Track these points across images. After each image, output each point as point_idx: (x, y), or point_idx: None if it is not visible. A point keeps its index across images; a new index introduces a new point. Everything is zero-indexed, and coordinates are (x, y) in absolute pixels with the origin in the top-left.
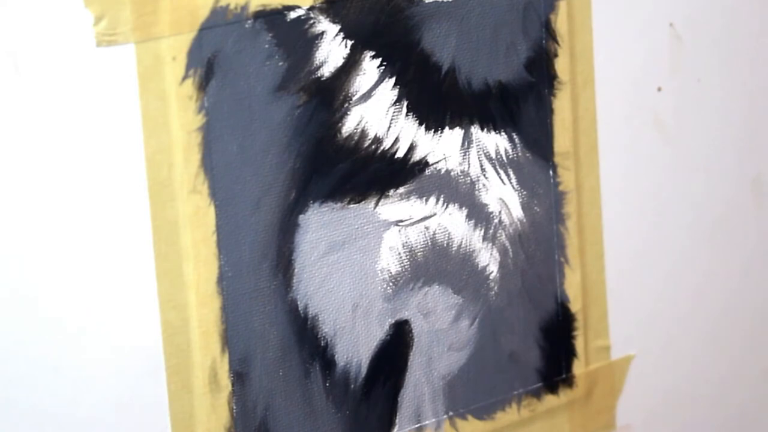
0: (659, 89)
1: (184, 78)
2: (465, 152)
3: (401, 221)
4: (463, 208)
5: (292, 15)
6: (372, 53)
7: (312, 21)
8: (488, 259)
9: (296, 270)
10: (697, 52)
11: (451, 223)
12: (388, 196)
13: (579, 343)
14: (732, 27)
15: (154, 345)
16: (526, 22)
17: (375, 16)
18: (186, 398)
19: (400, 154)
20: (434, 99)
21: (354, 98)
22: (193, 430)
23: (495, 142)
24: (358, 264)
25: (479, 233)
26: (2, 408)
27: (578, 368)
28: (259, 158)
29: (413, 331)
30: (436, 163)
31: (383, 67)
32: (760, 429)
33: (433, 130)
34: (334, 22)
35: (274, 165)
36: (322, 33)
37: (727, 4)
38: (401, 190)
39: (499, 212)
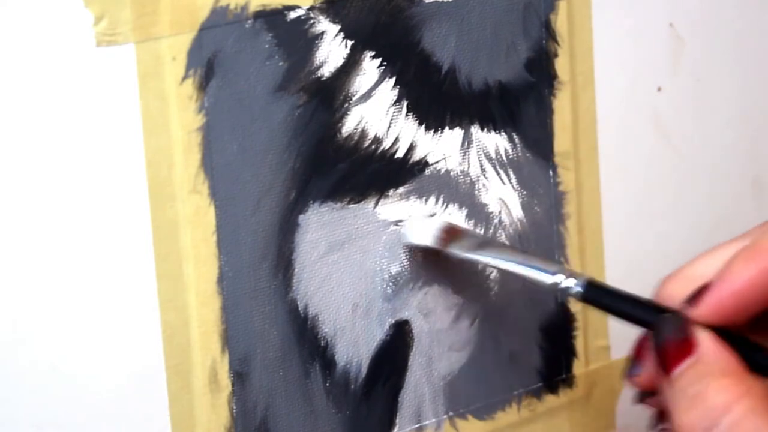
0: (659, 89)
1: (184, 78)
2: (465, 152)
3: (401, 221)
4: (463, 208)
5: (292, 15)
6: (372, 53)
7: (312, 21)
8: None
9: (296, 270)
10: (697, 52)
11: None
12: (387, 196)
13: (579, 343)
14: (732, 27)
15: (154, 345)
16: (526, 22)
17: (375, 16)
18: (186, 398)
19: (399, 154)
20: (434, 99)
21: (354, 98)
22: (193, 430)
23: (495, 142)
24: (357, 264)
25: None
26: (1, 408)
27: (578, 368)
28: (260, 158)
29: (413, 331)
30: (436, 163)
31: (383, 67)
32: None
33: (433, 130)
34: (334, 22)
35: (275, 165)
36: (323, 33)
37: (728, 4)
38: (401, 190)
39: (499, 212)
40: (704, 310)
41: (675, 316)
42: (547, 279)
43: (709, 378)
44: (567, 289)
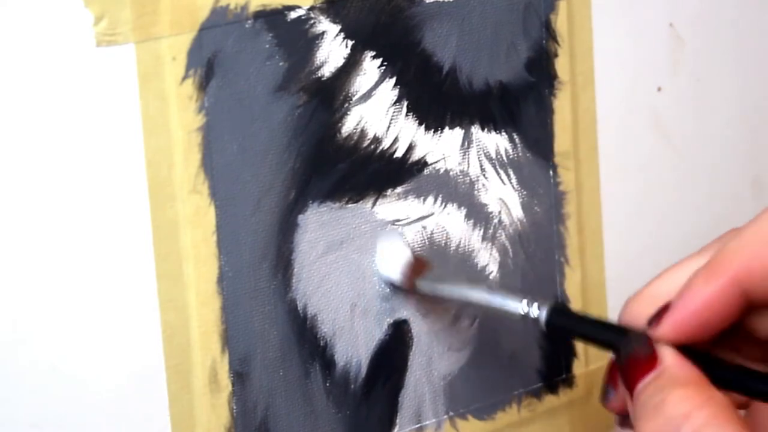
0: (659, 89)
1: (184, 78)
2: (465, 152)
3: (398, 221)
4: (462, 208)
5: (293, 15)
6: (372, 53)
7: (312, 21)
8: (488, 259)
9: (295, 270)
10: (697, 52)
11: (450, 223)
12: (386, 196)
13: (579, 343)
14: (732, 27)
15: (154, 345)
16: (526, 22)
17: (376, 16)
18: (186, 398)
19: (399, 153)
20: (435, 99)
21: (354, 98)
22: (193, 430)
23: (495, 142)
24: (355, 263)
25: (478, 233)
26: (1, 408)
27: (578, 368)
28: (260, 158)
29: (412, 330)
30: (435, 162)
31: (384, 68)
32: None
33: (433, 130)
34: (334, 23)
35: (274, 165)
36: (323, 33)
37: (728, 4)
38: (399, 189)
39: (499, 212)
40: (666, 329)
41: (638, 335)
42: (512, 308)
43: (670, 388)
44: (532, 315)
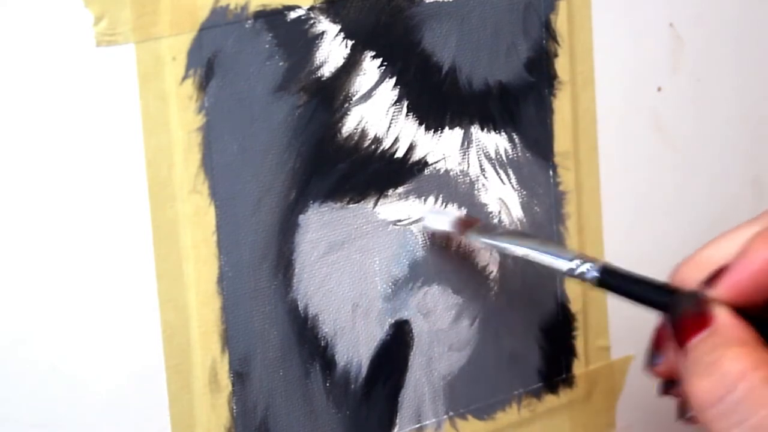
0: (659, 89)
1: (184, 78)
2: (465, 152)
3: (399, 221)
4: (462, 208)
5: (293, 15)
6: (372, 53)
7: (312, 21)
8: (488, 259)
9: (296, 270)
10: (697, 52)
11: None
12: (387, 196)
13: (579, 343)
14: (732, 27)
15: (154, 345)
16: (526, 22)
17: (375, 16)
18: (186, 398)
19: (399, 154)
20: (435, 99)
21: (354, 98)
22: (193, 430)
23: (495, 142)
24: (357, 264)
25: None
26: (1, 408)
27: (578, 368)
28: (260, 158)
29: (413, 331)
30: (436, 162)
31: (384, 68)
32: None
33: (433, 130)
34: (334, 22)
35: (275, 165)
36: (323, 33)
37: (728, 4)
38: (400, 189)
39: (499, 212)
40: (722, 290)
41: (691, 294)
42: (562, 265)
43: (725, 347)
44: (582, 274)
